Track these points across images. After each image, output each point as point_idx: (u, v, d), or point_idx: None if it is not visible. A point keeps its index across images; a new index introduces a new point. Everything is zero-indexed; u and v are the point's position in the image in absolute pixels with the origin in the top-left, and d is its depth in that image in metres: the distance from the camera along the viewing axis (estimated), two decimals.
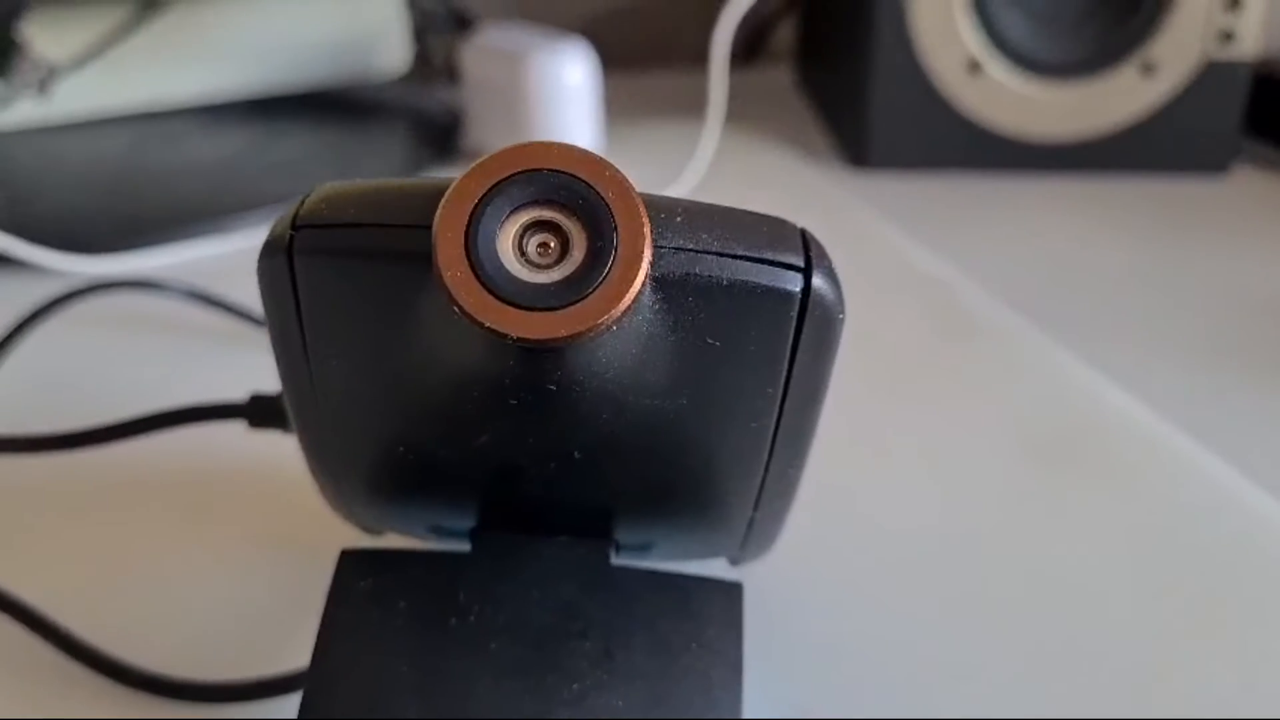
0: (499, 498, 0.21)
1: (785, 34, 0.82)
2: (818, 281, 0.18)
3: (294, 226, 0.18)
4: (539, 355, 0.17)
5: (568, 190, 0.16)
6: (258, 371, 0.30)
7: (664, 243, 0.17)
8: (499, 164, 0.16)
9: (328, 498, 0.23)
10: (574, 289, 0.16)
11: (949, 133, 0.57)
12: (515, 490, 0.21)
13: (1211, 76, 0.55)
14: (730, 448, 0.20)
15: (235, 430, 0.28)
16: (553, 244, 0.16)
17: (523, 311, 0.16)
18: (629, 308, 0.16)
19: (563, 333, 0.16)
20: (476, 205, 0.16)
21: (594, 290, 0.16)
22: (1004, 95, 0.56)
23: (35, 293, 0.40)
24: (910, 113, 0.57)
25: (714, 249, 0.17)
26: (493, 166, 0.16)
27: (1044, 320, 0.42)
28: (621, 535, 0.22)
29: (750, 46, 0.80)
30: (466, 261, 0.16)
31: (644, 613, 0.21)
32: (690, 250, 0.17)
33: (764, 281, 0.17)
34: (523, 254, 0.16)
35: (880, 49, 0.55)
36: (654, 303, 0.17)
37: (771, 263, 0.17)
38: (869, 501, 0.32)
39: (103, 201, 0.51)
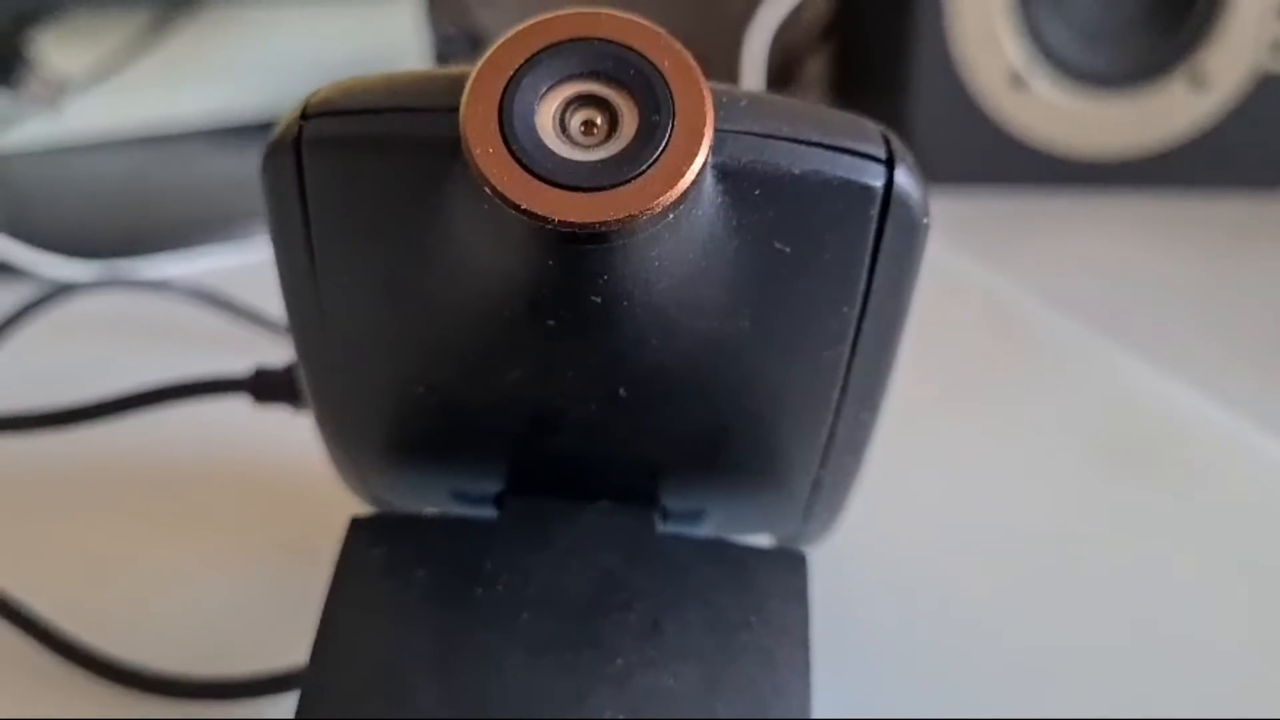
0: (530, 455, 0.19)
1: (816, 66, 0.80)
2: (901, 178, 0.15)
3: (303, 116, 0.15)
4: (582, 255, 0.14)
5: (617, 61, 0.14)
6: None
7: (728, 125, 0.15)
8: (537, 33, 0.14)
9: (338, 464, 0.20)
10: (624, 167, 0.14)
11: (992, 149, 0.55)
12: (549, 445, 0.18)
13: (1265, 89, 0.53)
14: (797, 384, 0.17)
15: (238, 414, 0.26)
16: (599, 121, 0.14)
17: (565, 192, 0.13)
18: (688, 190, 0.14)
19: (611, 216, 0.13)
20: (512, 77, 0.14)
21: (648, 169, 0.14)
22: (1047, 109, 0.54)
23: None
24: (952, 129, 0.55)
25: (784, 134, 0.15)
26: (530, 36, 0.14)
27: (1103, 329, 0.40)
28: (669, 500, 0.19)
29: (782, 78, 0.79)
30: (500, 137, 0.14)
31: (696, 584, 0.18)
32: (757, 135, 0.15)
33: (841, 174, 0.15)
34: (564, 133, 0.14)
35: (921, 65, 0.54)
36: (715, 196, 0.15)
37: (850, 152, 0.15)
38: (935, 501, 0.29)
39: (110, 215, 0.49)
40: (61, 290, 0.35)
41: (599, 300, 0.15)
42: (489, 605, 0.18)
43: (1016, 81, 0.54)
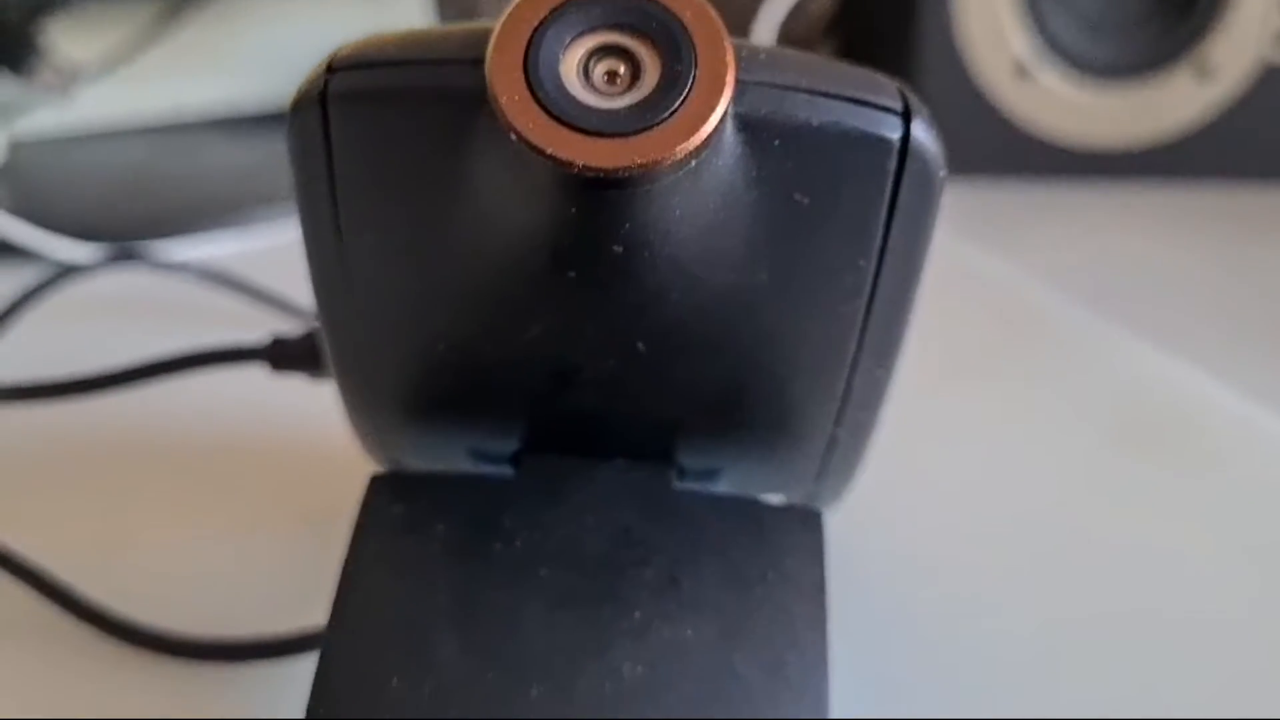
0: (548, 413, 0.19)
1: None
2: (918, 131, 0.15)
3: (329, 70, 0.16)
4: (604, 202, 0.15)
5: (639, 13, 0.14)
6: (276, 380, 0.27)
7: (748, 76, 0.15)
8: None
9: (357, 425, 0.20)
10: (648, 114, 0.14)
11: (997, 139, 0.55)
12: (567, 402, 0.18)
13: (1271, 80, 0.53)
14: (814, 338, 0.17)
15: (255, 385, 0.26)
16: (622, 71, 0.14)
17: (589, 137, 0.14)
18: (709, 138, 0.14)
19: (634, 161, 0.14)
20: (537, 28, 0.14)
21: (670, 116, 0.14)
22: (1052, 100, 0.54)
23: None
24: (957, 119, 0.55)
25: (804, 86, 0.15)
26: None
27: (1111, 314, 0.40)
28: (685, 458, 0.19)
29: None
30: (525, 84, 0.14)
31: (712, 540, 0.18)
32: (777, 86, 0.15)
33: (859, 125, 0.15)
34: (588, 82, 0.14)
35: (926, 56, 0.54)
36: (735, 147, 0.15)
37: (868, 104, 0.15)
38: (945, 479, 0.29)
39: (121, 200, 0.49)
40: (74, 270, 0.35)
41: (620, 250, 0.15)
42: (508, 560, 0.18)
43: (1021, 72, 0.54)
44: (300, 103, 0.16)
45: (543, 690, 0.17)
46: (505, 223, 0.16)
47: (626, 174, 0.14)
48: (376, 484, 0.19)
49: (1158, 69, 0.54)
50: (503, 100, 0.14)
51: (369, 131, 0.16)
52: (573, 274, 0.16)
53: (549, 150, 0.14)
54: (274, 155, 0.55)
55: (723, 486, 0.20)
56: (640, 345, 0.17)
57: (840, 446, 0.19)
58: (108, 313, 0.39)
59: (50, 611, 0.23)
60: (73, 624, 0.23)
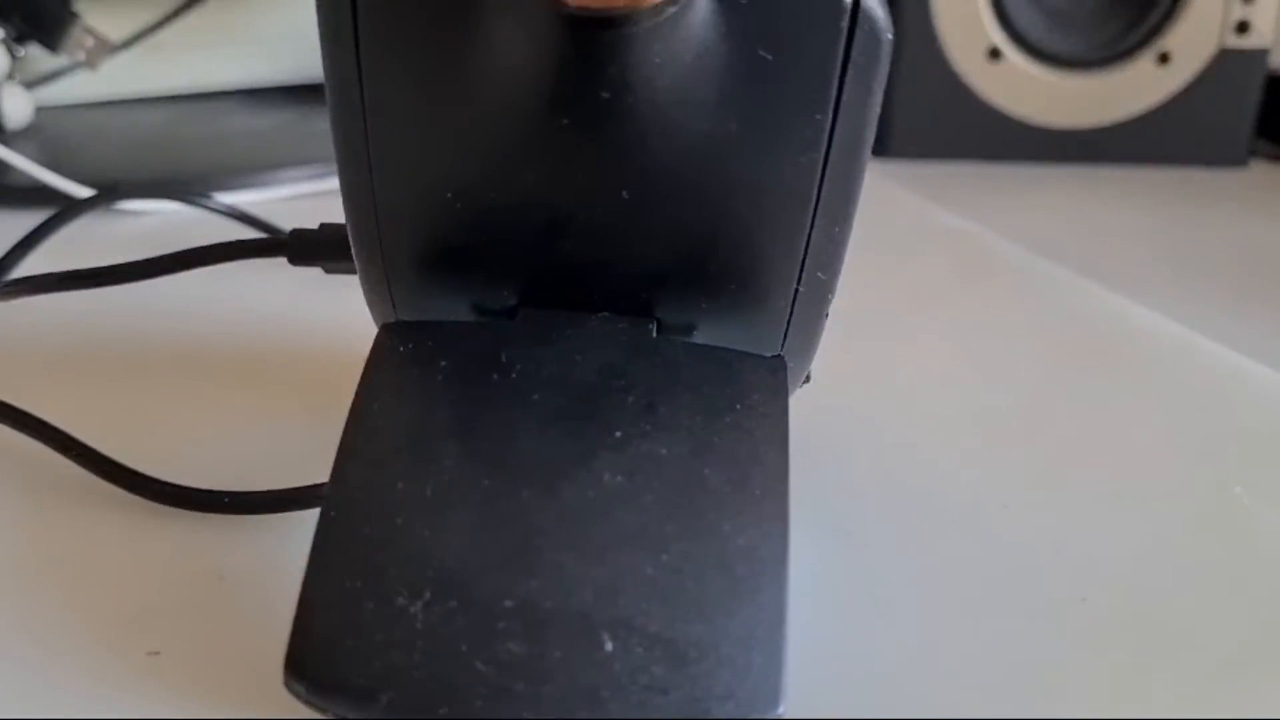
0: (542, 267, 0.21)
1: None
2: None
3: None
4: (594, 45, 0.17)
5: None
6: (296, 287, 0.29)
7: None
8: None
9: (369, 280, 0.23)
10: None
11: (969, 121, 0.58)
12: (559, 253, 0.21)
13: (1227, 67, 0.56)
14: (778, 188, 0.20)
15: (275, 281, 0.28)
16: None
17: None
18: None
19: (621, 1, 0.16)
20: None
21: None
22: (1024, 83, 0.57)
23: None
24: (931, 100, 0.58)
25: None
26: None
27: (1066, 263, 0.43)
28: (663, 313, 0.22)
29: None
30: None
31: (687, 377, 0.21)
32: None
33: None
34: None
35: (902, 36, 0.57)
36: (708, 3, 0.17)
37: None
38: (911, 378, 0.32)
39: (145, 158, 0.52)
40: (104, 195, 0.37)
41: (607, 96, 0.18)
42: (505, 386, 0.20)
43: (994, 55, 0.57)
44: None
45: (532, 493, 0.19)
46: (508, 68, 0.18)
47: (614, 13, 0.16)
48: (386, 329, 0.21)
49: (1121, 56, 0.57)
50: None
51: None
52: (566, 120, 0.18)
53: None
54: (293, 120, 0.58)
55: (697, 341, 0.22)
56: (624, 193, 0.19)
57: (802, 305, 0.22)
58: (134, 250, 0.41)
59: (78, 471, 0.25)
60: (95, 481, 0.25)
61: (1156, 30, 0.56)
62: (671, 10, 0.17)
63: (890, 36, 0.18)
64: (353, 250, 0.22)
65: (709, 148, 0.19)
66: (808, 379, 0.25)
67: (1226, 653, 0.21)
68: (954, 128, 0.58)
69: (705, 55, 0.18)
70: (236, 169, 0.49)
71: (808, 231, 0.20)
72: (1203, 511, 0.25)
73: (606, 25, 0.16)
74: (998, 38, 0.57)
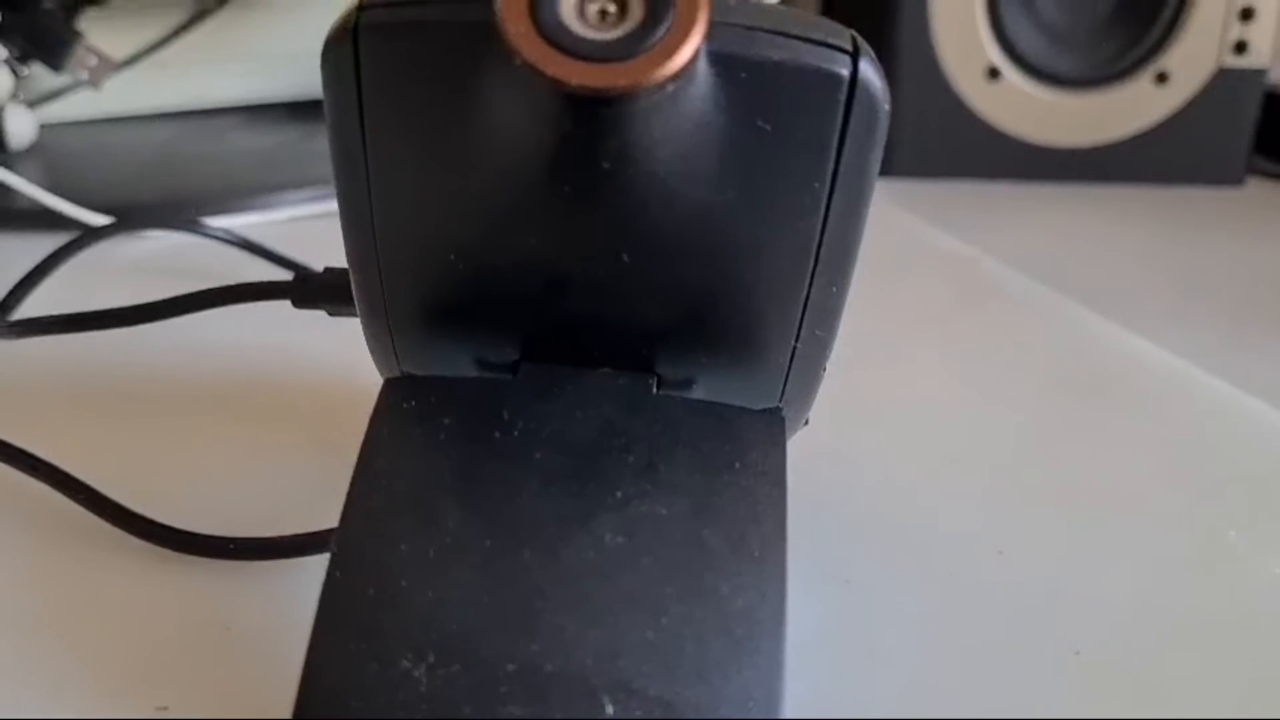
0: (544, 324, 0.21)
1: None
2: (865, 68, 0.18)
3: (360, 8, 0.18)
4: (595, 120, 0.17)
5: None
6: (302, 323, 0.30)
7: (720, 18, 0.18)
8: None
9: (373, 335, 0.23)
10: (632, 44, 0.16)
11: (968, 139, 0.58)
12: (561, 311, 0.21)
13: (1225, 86, 0.56)
14: (776, 252, 0.20)
15: (279, 322, 0.29)
16: (611, 9, 0.17)
17: (582, 62, 0.16)
18: (684, 67, 0.16)
19: (619, 83, 0.16)
20: None
21: (651, 47, 0.16)
22: (1022, 102, 0.58)
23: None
24: (930, 119, 0.58)
25: (767, 28, 0.18)
26: None
27: (1062, 289, 0.43)
28: (663, 368, 0.22)
29: None
30: (529, 18, 0.16)
31: (686, 434, 0.21)
32: (744, 26, 0.18)
33: (814, 62, 0.18)
34: (583, 17, 0.17)
35: (901, 55, 0.57)
36: (707, 78, 0.18)
37: (823, 44, 0.18)
38: (906, 409, 0.33)
39: (148, 179, 0.52)
40: (109, 228, 0.37)
41: (608, 166, 0.18)
42: (507, 444, 0.20)
43: (993, 74, 0.57)
44: (334, 36, 0.18)
45: (533, 554, 0.19)
46: (510, 141, 0.18)
47: (613, 93, 0.16)
48: (390, 385, 0.22)
49: (1120, 75, 0.57)
50: (511, 31, 0.16)
51: (394, 59, 0.18)
52: (567, 188, 0.18)
53: (549, 72, 0.16)
54: (295, 138, 0.58)
55: (696, 396, 0.23)
56: (625, 255, 0.20)
57: (800, 360, 0.22)
58: (139, 276, 0.41)
59: (83, 514, 0.25)
60: (103, 525, 0.25)
61: (1155, 50, 0.57)
62: (671, 88, 0.17)
63: (888, 107, 0.19)
64: (356, 304, 0.22)
65: (708, 214, 0.19)
66: (806, 422, 0.25)
67: (1216, 712, 0.21)
68: (953, 146, 0.59)
69: (705, 126, 0.18)
70: (239, 191, 0.49)
71: (806, 292, 0.20)
72: (1197, 559, 0.25)
73: (607, 103, 0.17)
74: (996, 57, 0.57)
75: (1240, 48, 0.56)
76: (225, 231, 0.41)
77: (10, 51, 0.54)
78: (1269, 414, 0.33)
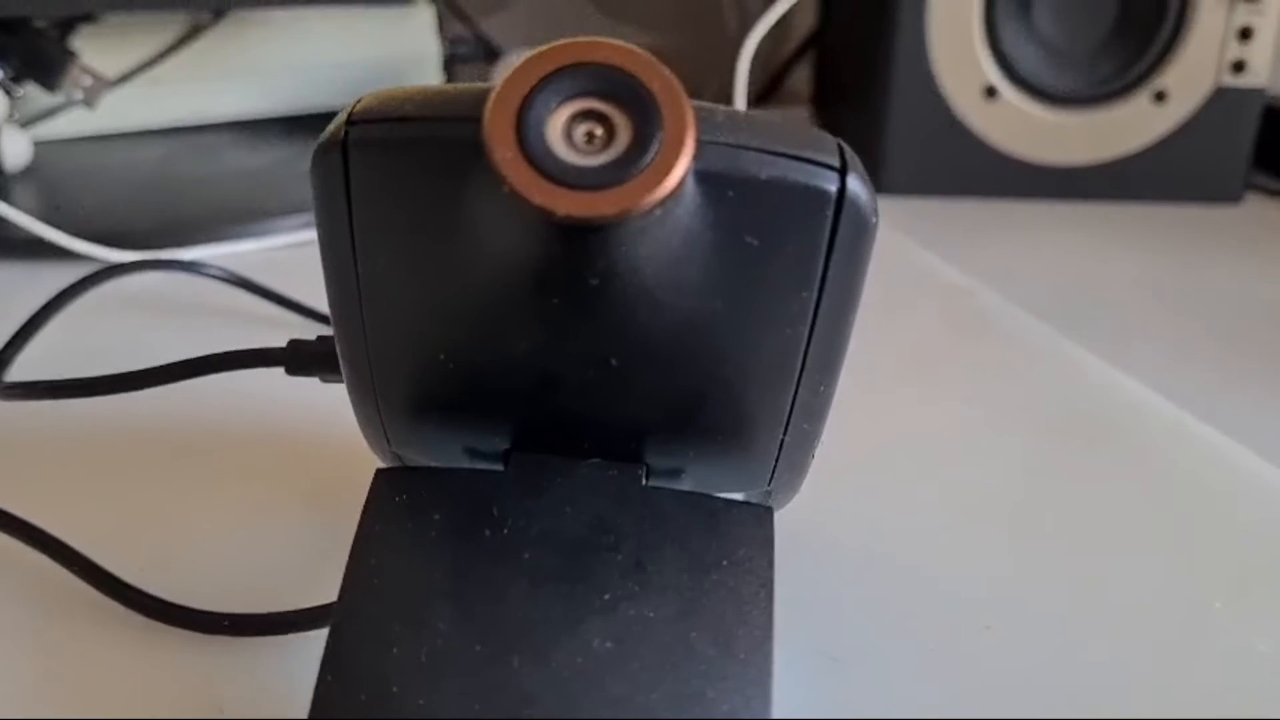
0: (534, 417, 0.21)
1: (800, 77, 0.83)
2: (853, 183, 0.18)
3: (349, 122, 0.18)
4: (582, 244, 0.17)
5: (615, 83, 0.17)
6: (297, 383, 0.30)
7: (707, 137, 0.18)
8: (549, 58, 0.17)
9: (366, 423, 0.23)
10: (619, 171, 0.16)
11: (965, 158, 0.58)
12: (550, 407, 0.21)
13: (1223, 105, 0.56)
14: (764, 357, 0.20)
15: (272, 384, 0.29)
16: (599, 132, 0.17)
17: (569, 190, 0.16)
18: (673, 191, 0.16)
19: (607, 211, 0.16)
20: (527, 95, 0.17)
21: (639, 172, 0.16)
22: (1020, 120, 0.57)
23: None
24: (927, 138, 0.58)
25: (754, 145, 0.18)
26: (543, 60, 0.17)
27: (1061, 325, 0.43)
28: (652, 459, 0.22)
29: (766, 89, 0.82)
30: (517, 144, 0.16)
31: (675, 530, 0.21)
32: (732, 145, 0.18)
33: (801, 179, 0.18)
34: (570, 141, 0.17)
35: (898, 73, 0.57)
36: (695, 196, 0.18)
37: (809, 161, 0.18)
38: (900, 456, 0.33)
39: (142, 202, 0.52)
40: (103, 272, 0.37)
41: (596, 282, 0.18)
42: (496, 544, 0.20)
43: (990, 93, 0.57)
44: (323, 149, 0.19)
45: (523, 660, 0.19)
46: (498, 257, 0.18)
47: (600, 221, 0.16)
48: (382, 476, 0.22)
49: (1118, 94, 0.57)
50: (497, 156, 0.16)
51: (383, 175, 0.18)
52: (555, 300, 0.18)
53: (536, 200, 0.16)
54: (289, 157, 0.58)
55: (686, 485, 0.23)
56: (613, 360, 0.20)
57: (788, 452, 0.22)
58: (135, 312, 0.41)
59: (77, 584, 0.26)
60: (97, 597, 0.25)
61: (1153, 69, 0.56)
62: (659, 211, 0.17)
63: (875, 220, 0.19)
64: (348, 392, 0.23)
65: (696, 323, 0.19)
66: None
67: None
68: (950, 164, 0.59)
69: (692, 243, 0.18)
70: (233, 216, 0.49)
71: (793, 393, 0.21)
72: (1182, 635, 0.26)
73: (594, 230, 0.17)
74: (994, 75, 0.57)
75: (1238, 67, 0.56)
76: (223, 271, 0.41)
77: (5, 73, 0.54)
78: (1261, 468, 0.33)
